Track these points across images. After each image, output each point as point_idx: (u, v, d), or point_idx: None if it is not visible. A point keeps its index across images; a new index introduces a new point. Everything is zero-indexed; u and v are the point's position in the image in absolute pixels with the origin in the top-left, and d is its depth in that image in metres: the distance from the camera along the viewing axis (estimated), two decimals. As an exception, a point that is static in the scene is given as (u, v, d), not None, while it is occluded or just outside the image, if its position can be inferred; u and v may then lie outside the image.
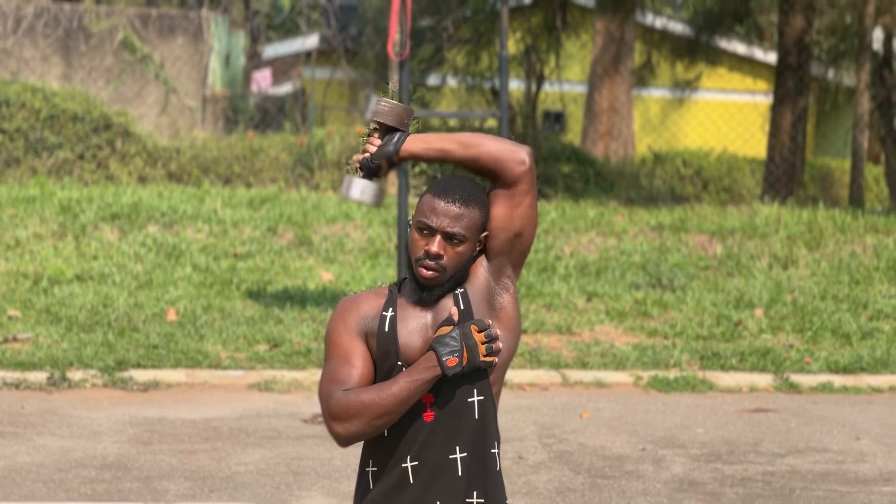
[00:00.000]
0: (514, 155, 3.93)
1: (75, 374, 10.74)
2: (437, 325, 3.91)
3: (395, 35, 11.79)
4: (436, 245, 3.89)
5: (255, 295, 13.03)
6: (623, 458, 9.03)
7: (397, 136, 3.98)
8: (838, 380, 11.44)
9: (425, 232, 3.91)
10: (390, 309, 3.95)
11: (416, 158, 3.99)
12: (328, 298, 12.99)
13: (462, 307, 3.92)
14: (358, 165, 4.01)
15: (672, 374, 11.45)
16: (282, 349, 11.56)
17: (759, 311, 13.06)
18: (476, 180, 3.97)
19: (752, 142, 27.60)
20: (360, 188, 4.01)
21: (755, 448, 9.36)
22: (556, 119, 28.32)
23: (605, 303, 13.26)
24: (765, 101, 27.17)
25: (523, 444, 9.31)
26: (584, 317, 12.91)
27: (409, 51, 11.63)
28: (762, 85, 28.59)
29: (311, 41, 29.07)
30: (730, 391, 11.28)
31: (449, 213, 3.89)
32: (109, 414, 9.89)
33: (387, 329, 3.93)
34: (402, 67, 11.61)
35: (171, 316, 12.24)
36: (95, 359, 11.00)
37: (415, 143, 3.98)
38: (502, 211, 3.94)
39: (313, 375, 11.04)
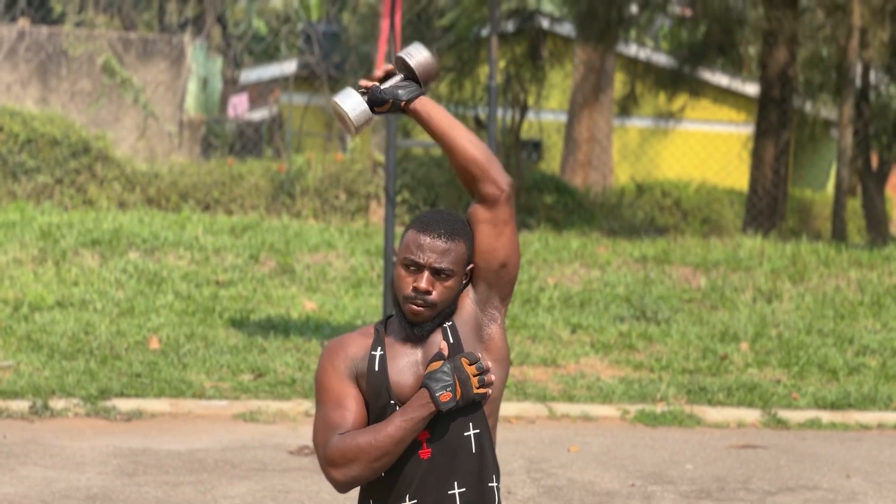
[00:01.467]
0: (497, 177, 3.90)
1: (57, 403, 10.60)
2: (427, 361, 3.87)
3: (383, 63, 11.72)
4: (424, 281, 3.85)
5: (237, 323, 12.92)
6: (613, 494, 8.95)
7: (415, 87, 3.92)
8: (826, 416, 11.39)
9: (412, 268, 3.87)
10: (379, 348, 3.91)
11: (418, 118, 3.94)
12: (311, 328, 12.89)
13: (451, 341, 3.88)
14: (364, 88, 3.92)
15: (659, 408, 11.38)
16: (266, 379, 11.45)
17: (744, 345, 13.01)
18: (458, 214, 3.94)
19: (736, 173, 27.60)
20: (354, 104, 3.89)
21: (745, 485, 9.29)
22: (534, 147, 28.29)
23: (590, 335, 13.20)
24: (743, 132, 27.22)
25: (511, 478, 9.22)
26: (570, 349, 12.84)
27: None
28: (740, 116, 28.63)
29: (288, 66, 29.01)
30: (717, 426, 11.21)
31: (435, 248, 3.85)
32: (93, 444, 9.76)
33: (377, 368, 3.88)
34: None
35: (154, 344, 12.12)
36: (78, 387, 10.87)
37: (424, 104, 3.93)
38: (485, 242, 3.91)
39: (298, 406, 10.94)
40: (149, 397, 10.90)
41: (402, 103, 3.90)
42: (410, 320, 3.87)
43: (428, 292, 3.84)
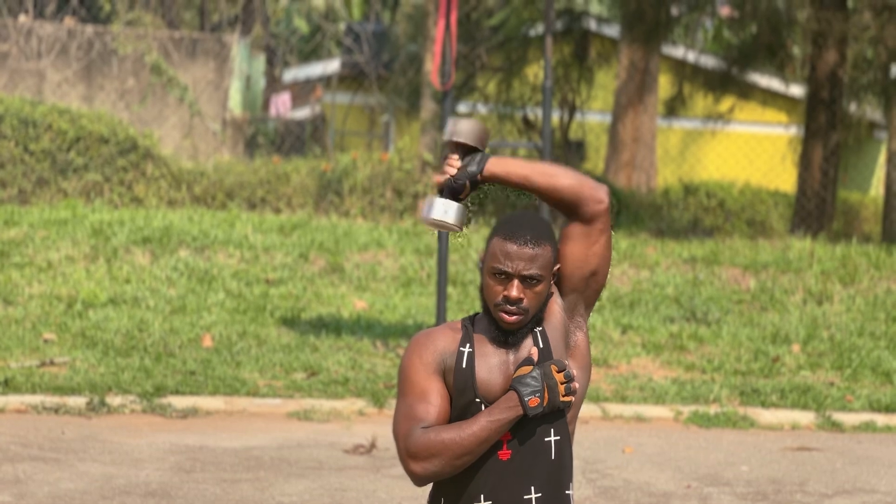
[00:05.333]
0: (594, 192, 3.88)
1: (114, 400, 10.66)
2: (517, 363, 3.87)
3: (438, 63, 11.74)
4: (515, 290, 3.84)
5: (289, 322, 12.96)
6: (669, 496, 8.93)
7: (479, 155, 3.91)
8: (881, 419, 11.34)
9: (501, 277, 3.86)
10: (468, 345, 3.91)
11: (497, 181, 3.93)
12: (363, 327, 12.91)
13: (541, 346, 3.89)
14: (439, 187, 3.93)
15: (712, 409, 11.36)
16: (319, 378, 11.48)
17: (796, 347, 12.96)
18: (540, 215, 3.92)
19: (783, 175, 27.49)
20: (443, 208, 3.90)
21: (801, 488, 9.26)
22: (578, 148, 28.24)
23: (641, 335, 13.18)
24: (787, 133, 27.09)
25: (567, 478, 9.21)
26: (621, 349, 12.83)
27: (453, 79, 11.57)
28: (785, 118, 28.51)
29: (332, 66, 29.04)
30: (771, 428, 11.18)
31: (523, 255, 3.84)
32: (150, 441, 9.81)
33: (464, 365, 3.88)
34: (445, 96, 11.54)
35: (207, 342, 12.17)
36: (133, 384, 10.93)
37: (497, 164, 3.92)
38: (578, 249, 3.90)
39: (352, 405, 10.97)
40: (203, 395, 10.96)
41: (479, 176, 3.90)
42: (504, 328, 3.88)
43: (520, 300, 3.84)
